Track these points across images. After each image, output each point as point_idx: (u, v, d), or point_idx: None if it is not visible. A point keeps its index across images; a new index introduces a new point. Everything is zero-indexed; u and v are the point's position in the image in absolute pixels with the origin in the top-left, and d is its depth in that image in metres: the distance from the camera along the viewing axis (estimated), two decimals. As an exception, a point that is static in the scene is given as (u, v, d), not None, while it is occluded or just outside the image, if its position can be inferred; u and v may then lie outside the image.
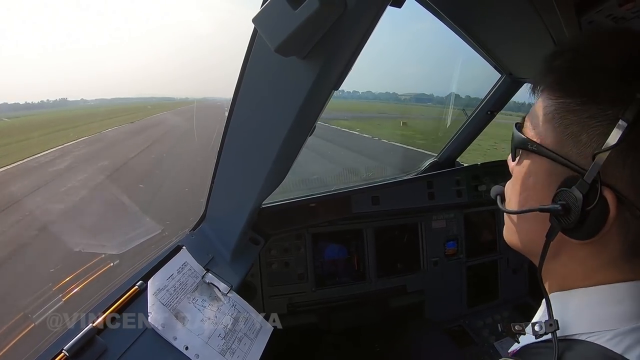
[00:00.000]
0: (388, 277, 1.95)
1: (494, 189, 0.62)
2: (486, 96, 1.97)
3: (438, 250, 2.05)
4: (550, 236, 0.49)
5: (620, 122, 0.40)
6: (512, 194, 0.56)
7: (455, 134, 2.19)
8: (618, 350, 0.43)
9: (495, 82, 1.89)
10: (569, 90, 0.47)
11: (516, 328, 0.56)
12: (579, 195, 0.44)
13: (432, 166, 2.25)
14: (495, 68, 1.75)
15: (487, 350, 1.90)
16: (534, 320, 0.54)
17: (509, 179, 0.59)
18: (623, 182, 0.43)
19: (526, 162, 0.52)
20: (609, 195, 0.43)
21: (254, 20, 0.64)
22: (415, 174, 2.17)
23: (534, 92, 0.53)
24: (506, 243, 0.59)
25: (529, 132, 0.52)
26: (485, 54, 1.52)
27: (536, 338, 0.51)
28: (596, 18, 0.87)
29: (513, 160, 0.56)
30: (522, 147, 0.52)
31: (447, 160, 2.26)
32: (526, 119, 0.54)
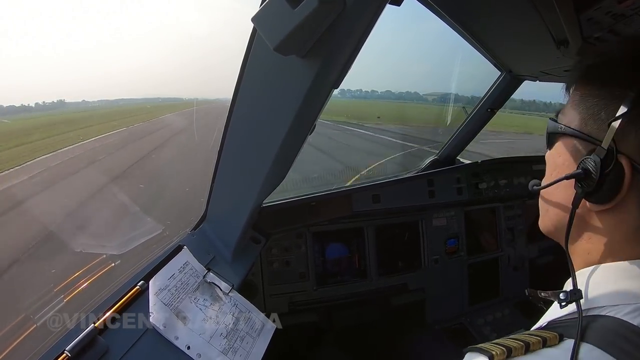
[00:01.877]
0: (389, 276, 1.95)
1: (532, 182, 0.68)
2: (486, 94, 1.97)
3: (439, 248, 2.05)
4: (575, 202, 0.55)
5: (628, 96, 0.48)
6: (544, 178, 0.64)
7: (456, 132, 2.19)
8: (635, 322, 0.46)
9: (495, 79, 1.89)
10: (592, 81, 0.55)
11: (542, 295, 0.60)
12: (597, 159, 0.50)
13: (433, 164, 2.25)
14: (495, 65, 1.75)
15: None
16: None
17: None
18: (635, 150, 0.49)
19: (556, 145, 0.60)
20: (624, 161, 0.49)
21: (253, 20, 0.64)
22: (415, 172, 2.17)
23: (567, 92, 0.61)
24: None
25: (560, 120, 0.60)
26: (485, 52, 1.51)
27: (560, 307, 0.54)
28: (595, 15, 0.87)
29: (547, 149, 0.64)
30: (552, 132, 0.60)
31: (448, 158, 2.26)
32: (559, 113, 0.61)
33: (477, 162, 2.15)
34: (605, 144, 0.49)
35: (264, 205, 1.50)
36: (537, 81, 1.75)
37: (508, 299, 2.18)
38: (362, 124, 19.13)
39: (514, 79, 1.82)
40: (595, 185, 0.51)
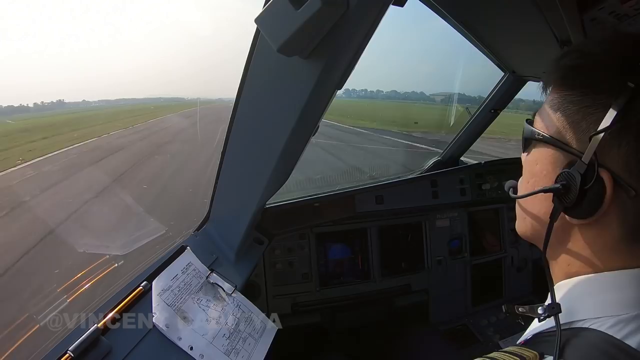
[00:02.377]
0: (392, 277, 1.95)
1: (508, 183, 0.65)
2: (489, 94, 1.97)
3: (442, 249, 2.04)
4: (553, 216, 0.52)
5: (613, 107, 0.45)
6: (521, 184, 0.61)
7: (459, 132, 2.18)
8: (619, 336, 0.45)
9: (499, 80, 1.88)
10: (572, 85, 0.51)
11: (520, 310, 0.58)
12: (577, 174, 0.48)
13: (436, 165, 2.25)
14: (498, 66, 1.74)
15: (491, 349, 1.88)
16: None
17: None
18: (618, 164, 0.46)
19: (534, 152, 0.57)
20: (605, 175, 0.46)
21: (256, 21, 0.64)
22: (419, 172, 2.16)
23: (544, 91, 0.58)
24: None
25: (537, 124, 0.56)
26: (488, 53, 1.51)
27: (539, 321, 0.54)
28: (598, 15, 0.87)
29: (524, 153, 0.60)
30: (529, 137, 0.57)
31: (451, 159, 2.26)
32: (536, 114, 0.58)
33: (480, 162, 2.15)
34: (586, 158, 0.47)
35: (267, 206, 1.50)
36: (541, 82, 1.75)
37: (511, 300, 2.17)
38: (410, 133, 15.37)
39: (518, 80, 1.82)
40: (575, 201, 0.48)
